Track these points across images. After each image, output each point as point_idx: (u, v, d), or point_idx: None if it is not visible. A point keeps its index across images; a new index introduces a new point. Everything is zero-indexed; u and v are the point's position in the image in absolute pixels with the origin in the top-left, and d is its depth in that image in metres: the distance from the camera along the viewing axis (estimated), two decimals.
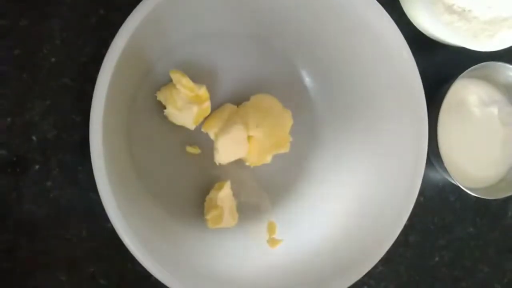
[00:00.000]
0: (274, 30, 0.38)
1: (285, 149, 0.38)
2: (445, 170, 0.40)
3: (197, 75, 0.37)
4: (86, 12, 0.38)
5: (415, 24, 0.42)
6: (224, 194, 0.36)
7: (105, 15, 0.38)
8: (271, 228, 0.38)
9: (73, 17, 0.38)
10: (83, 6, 0.38)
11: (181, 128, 0.37)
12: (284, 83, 0.40)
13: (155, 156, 0.37)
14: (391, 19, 0.34)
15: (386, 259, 0.34)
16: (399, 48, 0.34)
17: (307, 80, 0.40)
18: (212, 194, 0.37)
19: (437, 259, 0.44)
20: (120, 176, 0.32)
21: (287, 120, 0.38)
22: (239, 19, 0.37)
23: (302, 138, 0.40)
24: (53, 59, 0.37)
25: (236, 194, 0.38)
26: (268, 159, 0.38)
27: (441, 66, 0.43)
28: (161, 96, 0.36)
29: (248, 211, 0.39)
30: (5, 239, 0.37)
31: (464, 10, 0.38)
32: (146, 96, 0.37)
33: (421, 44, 0.42)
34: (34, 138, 0.37)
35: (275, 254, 0.37)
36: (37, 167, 0.37)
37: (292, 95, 0.40)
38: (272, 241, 0.37)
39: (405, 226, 0.35)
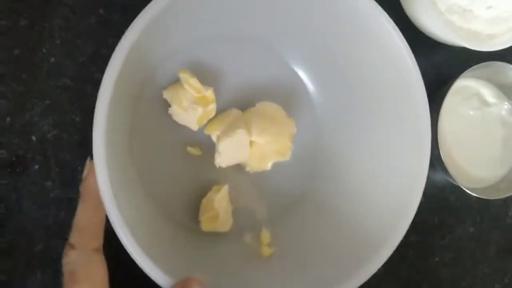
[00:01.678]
0: (284, 40, 0.39)
1: (285, 158, 0.38)
2: (445, 170, 0.40)
3: (206, 77, 0.37)
4: (86, 12, 0.38)
5: (415, 24, 0.42)
6: (221, 198, 0.36)
7: (105, 15, 0.38)
8: (265, 236, 0.38)
9: (73, 17, 0.38)
10: (83, 6, 0.38)
11: (184, 128, 0.37)
12: (290, 92, 0.40)
13: (155, 154, 0.37)
14: (394, 25, 0.33)
15: (386, 259, 0.34)
16: (403, 54, 0.34)
17: (313, 90, 0.40)
18: (209, 196, 0.37)
19: (437, 259, 0.44)
20: (119, 173, 0.31)
21: (291, 129, 0.38)
22: (249, 24, 0.37)
23: (304, 148, 0.40)
24: (52, 59, 0.37)
25: (233, 199, 0.38)
26: (268, 166, 0.38)
27: (441, 66, 0.43)
28: (167, 95, 0.36)
29: (243, 216, 0.38)
30: (5, 239, 0.37)
31: (465, 10, 0.38)
32: (152, 93, 0.37)
33: (421, 44, 0.42)
34: (33, 138, 0.37)
35: (269, 262, 0.37)
36: (36, 167, 0.37)
37: (297, 105, 0.40)
38: (265, 249, 0.37)
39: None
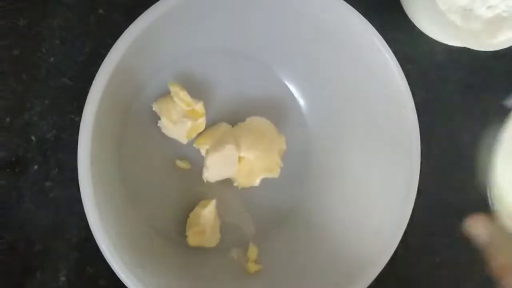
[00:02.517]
0: (276, 55, 0.39)
1: (274, 174, 0.38)
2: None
3: (196, 90, 0.37)
4: (85, 12, 0.38)
5: (415, 24, 0.41)
6: (208, 213, 0.36)
7: (105, 15, 0.38)
8: (252, 252, 0.38)
9: (72, 17, 0.38)
10: (82, 6, 0.38)
11: (173, 141, 0.37)
12: (282, 109, 0.40)
13: (143, 166, 0.37)
14: (386, 45, 0.34)
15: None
16: (394, 74, 0.34)
17: (304, 106, 0.40)
18: (196, 211, 0.37)
19: (437, 259, 0.44)
20: (105, 186, 0.31)
21: (281, 146, 0.38)
22: (241, 39, 0.37)
23: (293, 166, 0.39)
24: (52, 59, 0.37)
25: (220, 214, 0.37)
26: (257, 182, 0.38)
27: (441, 66, 0.43)
28: (157, 107, 0.36)
29: (231, 232, 0.38)
30: (5, 239, 0.37)
31: (465, 10, 0.38)
32: (142, 106, 0.37)
33: (421, 44, 0.42)
34: (33, 138, 0.37)
35: (255, 279, 0.36)
36: (36, 167, 0.37)
37: (288, 121, 0.40)
38: (251, 266, 0.37)
39: (406, 227, 0.34)
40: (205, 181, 0.37)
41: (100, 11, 0.38)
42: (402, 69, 0.34)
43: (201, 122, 0.36)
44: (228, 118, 0.38)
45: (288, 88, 0.40)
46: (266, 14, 0.35)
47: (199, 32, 0.36)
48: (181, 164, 0.38)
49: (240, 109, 0.39)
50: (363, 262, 0.34)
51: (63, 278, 0.37)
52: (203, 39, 0.37)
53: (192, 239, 0.36)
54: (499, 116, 0.37)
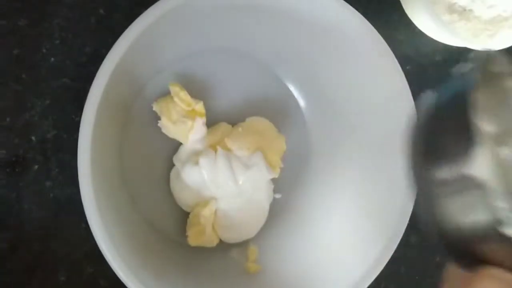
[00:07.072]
0: (277, 56, 0.39)
1: (274, 175, 0.38)
2: None
3: (196, 90, 0.37)
4: (85, 12, 0.38)
5: (415, 24, 0.41)
6: (208, 212, 0.36)
7: (105, 15, 0.38)
8: (251, 253, 0.38)
9: (72, 17, 0.38)
10: (83, 6, 0.38)
11: (174, 142, 0.37)
12: (282, 109, 0.40)
13: (143, 166, 0.37)
14: (387, 45, 0.34)
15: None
16: (393, 73, 0.34)
17: (305, 109, 0.40)
18: (196, 210, 0.36)
19: (437, 259, 0.44)
20: (105, 185, 0.31)
21: (281, 146, 0.38)
22: (242, 40, 0.37)
23: (293, 166, 0.39)
24: (52, 59, 0.37)
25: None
26: None
27: (441, 66, 0.43)
28: (157, 107, 0.36)
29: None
30: (5, 239, 0.37)
31: (465, 10, 0.38)
32: (143, 105, 0.37)
33: (421, 44, 0.42)
34: (33, 138, 0.37)
35: (256, 278, 0.37)
36: (36, 167, 0.37)
37: (289, 122, 0.40)
38: (251, 266, 0.37)
39: (406, 226, 0.34)
40: None
41: (100, 11, 0.38)
42: (402, 69, 0.34)
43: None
44: (228, 118, 0.38)
45: (288, 88, 0.40)
46: (266, 14, 0.35)
47: (199, 32, 0.36)
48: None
49: (240, 109, 0.39)
50: (364, 261, 0.34)
51: (63, 278, 0.37)
52: (203, 39, 0.37)
53: (192, 239, 0.36)
54: None
